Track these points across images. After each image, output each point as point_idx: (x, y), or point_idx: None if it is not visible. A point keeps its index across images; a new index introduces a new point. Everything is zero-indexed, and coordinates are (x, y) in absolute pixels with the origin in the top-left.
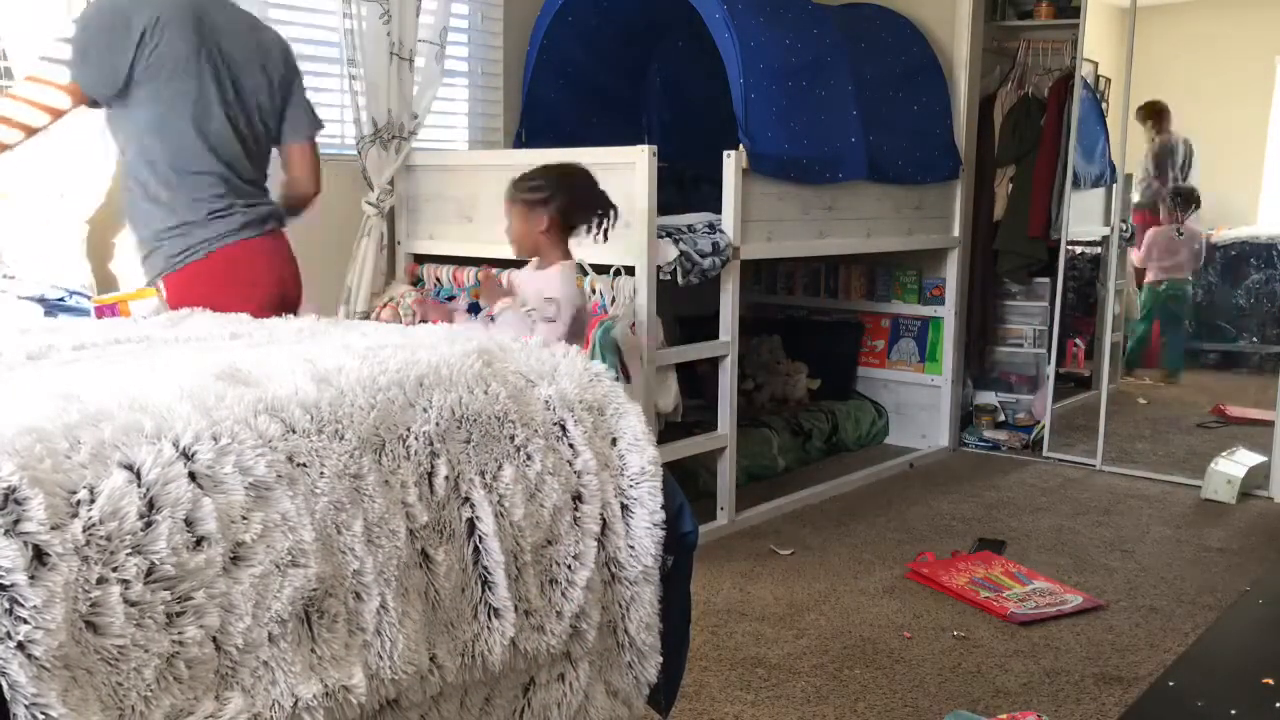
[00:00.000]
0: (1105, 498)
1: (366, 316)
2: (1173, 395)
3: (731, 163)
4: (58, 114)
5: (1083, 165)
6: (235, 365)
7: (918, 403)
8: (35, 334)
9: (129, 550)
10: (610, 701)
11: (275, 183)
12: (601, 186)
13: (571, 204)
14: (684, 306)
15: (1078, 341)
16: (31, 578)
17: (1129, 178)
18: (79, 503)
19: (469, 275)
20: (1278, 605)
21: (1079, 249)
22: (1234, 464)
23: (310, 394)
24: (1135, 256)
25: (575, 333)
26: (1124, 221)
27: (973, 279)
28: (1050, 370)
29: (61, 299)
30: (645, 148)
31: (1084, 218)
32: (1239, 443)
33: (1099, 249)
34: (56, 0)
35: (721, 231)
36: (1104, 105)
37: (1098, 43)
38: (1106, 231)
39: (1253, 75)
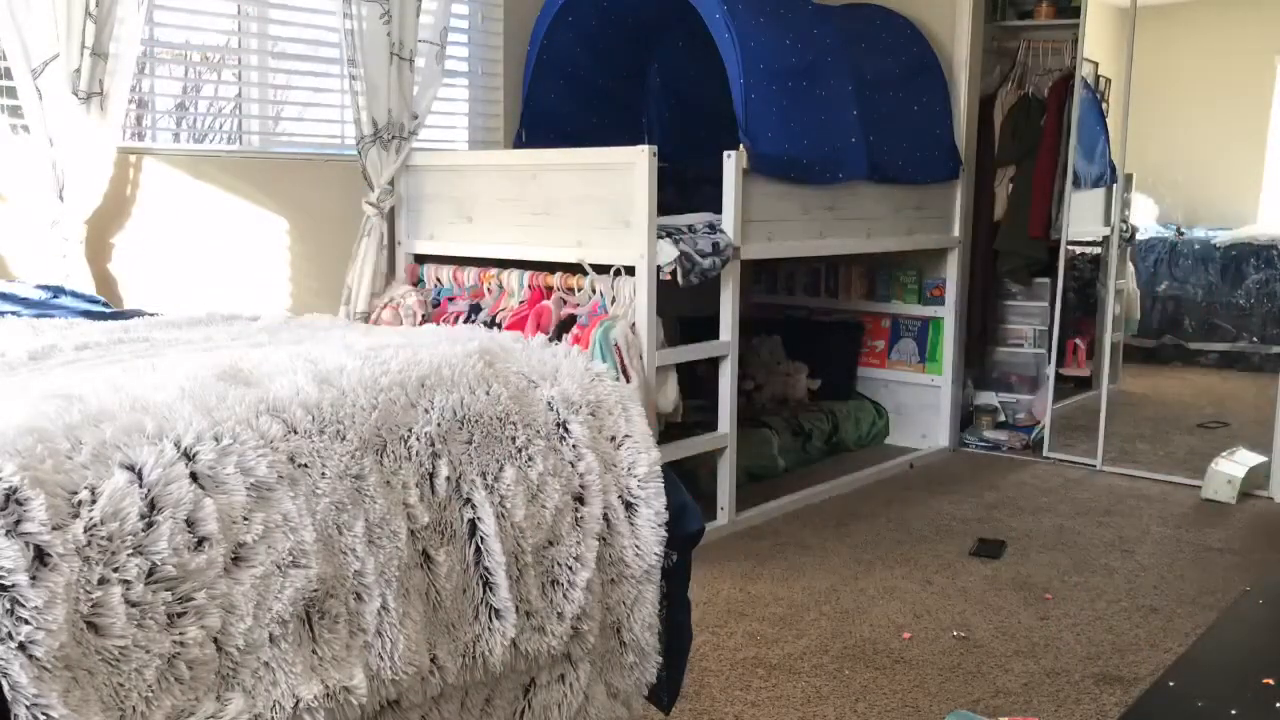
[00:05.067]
0: (1105, 498)
1: (367, 317)
2: (1172, 395)
3: (732, 163)
4: None
5: (1083, 165)
6: (237, 365)
7: (918, 403)
8: (38, 333)
9: (130, 551)
10: (610, 702)
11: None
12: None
13: None
14: (684, 306)
15: (1078, 342)
16: (33, 578)
17: (1129, 177)
18: (80, 503)
19: (469, 275)
20: (1278, 605)
21: (1079, 249)
22: (1234, 464)
23: (312, 394)
24: None
25: None
26: (1124, 221)
27: (973, 279)
28: (1050, 370)
29: (43, 300)
30: (645, 148)
31: (1084, 218)
32: (1239, 443)
33: (1099, 249)
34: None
35: (722, 231)
36: (1104, 105)
37: (1098, 43)
38: (1107, 231)
39: (1253, 75)
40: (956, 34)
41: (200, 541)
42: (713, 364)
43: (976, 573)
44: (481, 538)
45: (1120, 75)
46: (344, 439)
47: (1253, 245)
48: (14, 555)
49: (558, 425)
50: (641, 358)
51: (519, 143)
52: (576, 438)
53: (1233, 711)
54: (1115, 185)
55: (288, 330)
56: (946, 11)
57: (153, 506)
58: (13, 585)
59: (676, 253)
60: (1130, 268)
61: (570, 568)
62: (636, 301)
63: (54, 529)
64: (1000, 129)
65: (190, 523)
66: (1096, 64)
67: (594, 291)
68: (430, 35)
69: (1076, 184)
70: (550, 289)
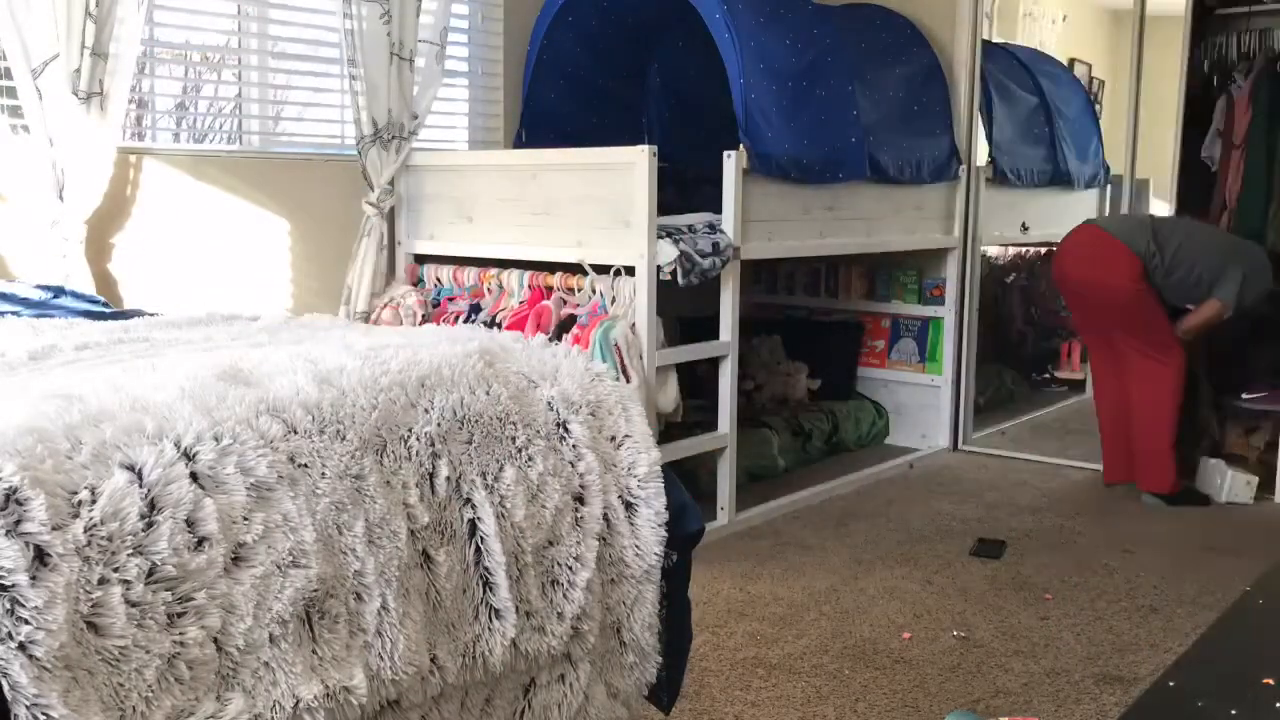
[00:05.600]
0: (1105, 498)
1: (366, 317)
2: None
3: (732, 163)
4: None
5: (1076, 166)
6: (237, 365)
7: (918, 403)
8: (38, 333)
9: (130, 551)
10: (610, 702)
11: None
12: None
13: None
14: (684, 306)
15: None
16: (33, 578)
17: (1145, 182)
18: (80, 503)
19: (469, 275)
20: (1278, 605)
21: None
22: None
23: (312, 394)
24: None
25: None
26: None
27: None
28: None
29: (43, 300)
30: (645, 148)
31: (1081, 218)
32: None
33: None
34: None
35: (721, 231)
36: (1098, 107)
37: (1091, 45)
38: None
39: None
40: (957, 34)
41: (200, 541)
42: (713, 364)
43: (976, 573)
44: (481, 538)
45: (1117, 76)
46: (344, 439)
47: None
48: (14, 555)
49: (558, 425)
50: (641, 358)
51: (519, 143)
52: (576, 438)
53: (1233, 711)
54: (1108, 186)
55: (288, 330)
56: (946, 12)
57: (153, 506)
58: (13, 585)
59: (676, 253)
60: None
61: (570, 568)
62: (636, 301)
63: (54, 529)
64: None
65: (190, 523)
66: (1090, 65)
67: (594, 291)
68: (430, 35)
69: (1070, 184)
70: (550, 289)
